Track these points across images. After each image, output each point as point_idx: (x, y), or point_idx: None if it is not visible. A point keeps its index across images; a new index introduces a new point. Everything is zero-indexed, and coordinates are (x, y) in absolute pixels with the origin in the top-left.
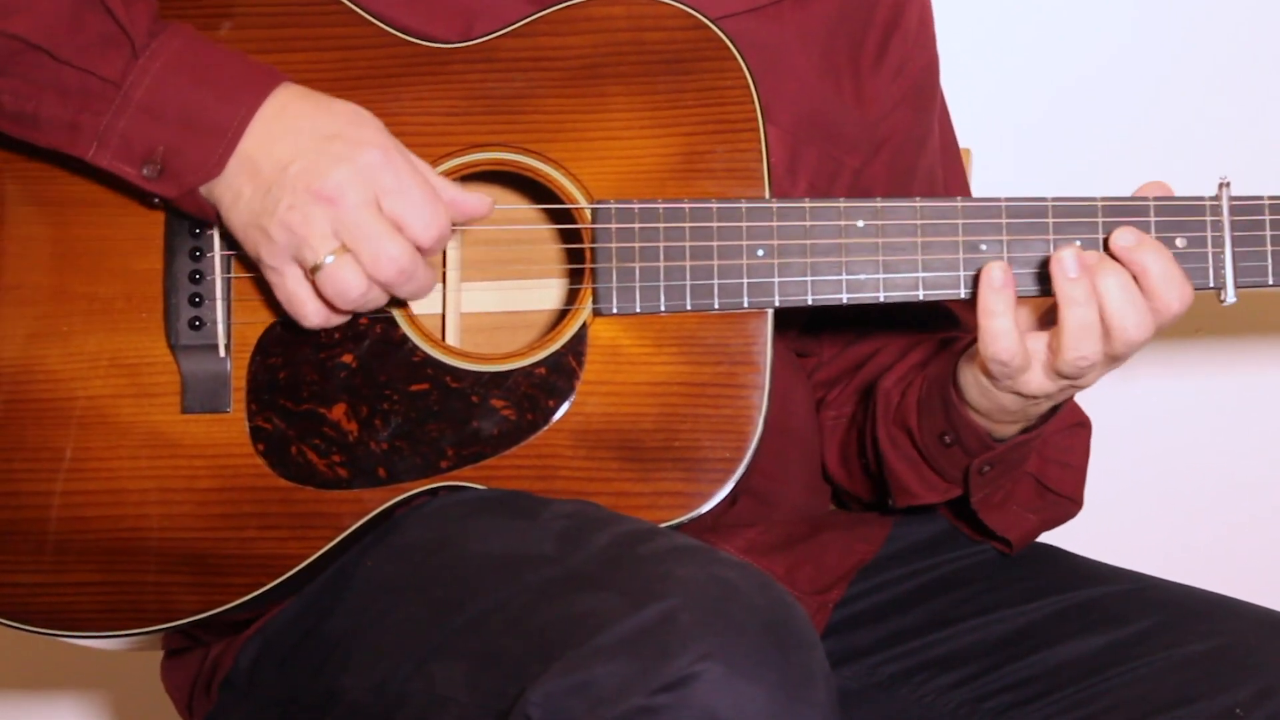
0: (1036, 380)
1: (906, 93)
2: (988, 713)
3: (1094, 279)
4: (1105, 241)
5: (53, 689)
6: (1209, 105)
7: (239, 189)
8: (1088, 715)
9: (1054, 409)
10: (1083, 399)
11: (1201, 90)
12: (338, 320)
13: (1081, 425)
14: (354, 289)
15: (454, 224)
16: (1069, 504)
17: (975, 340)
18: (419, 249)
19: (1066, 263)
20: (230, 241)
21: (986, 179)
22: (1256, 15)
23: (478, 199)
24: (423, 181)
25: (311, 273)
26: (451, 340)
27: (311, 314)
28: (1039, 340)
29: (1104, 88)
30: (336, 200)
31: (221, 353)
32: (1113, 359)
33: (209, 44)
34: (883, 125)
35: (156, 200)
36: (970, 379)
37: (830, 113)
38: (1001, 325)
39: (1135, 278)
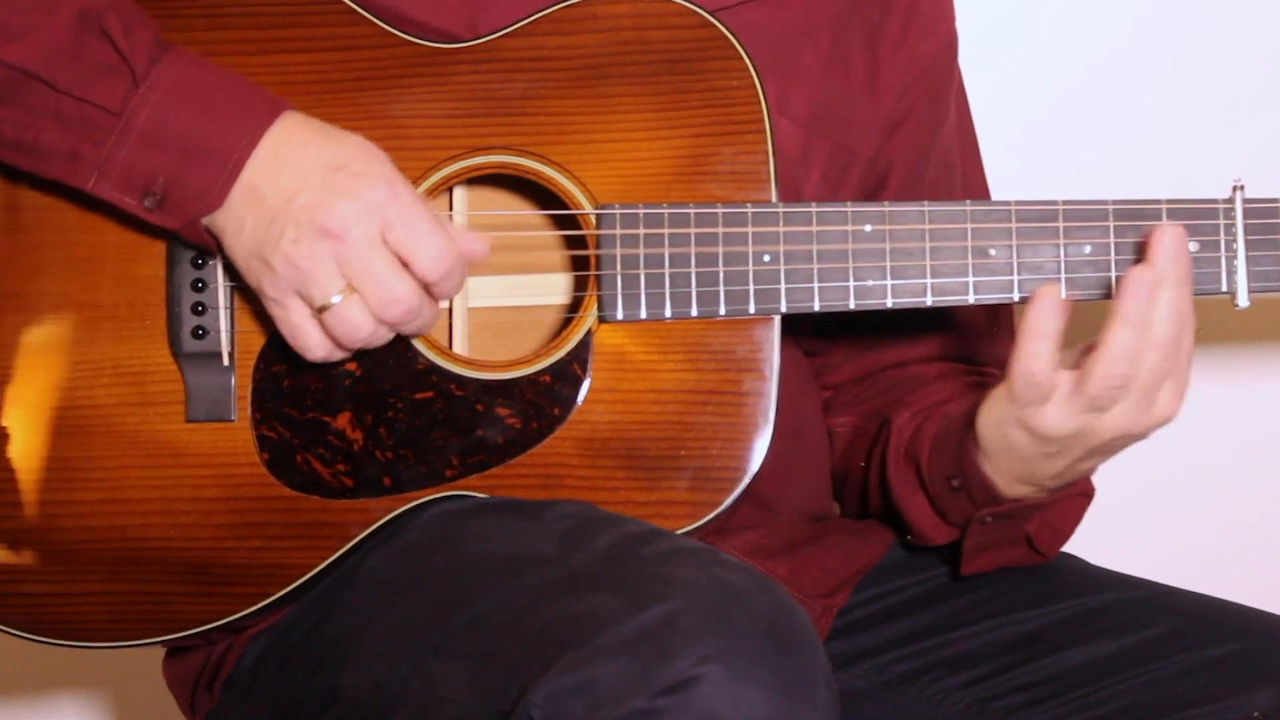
0: (1053, 414)
1: (920, 74)
2: (997, 713)
3: (1153, 302)
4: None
5: (55, 686)
6: (1221, 106)
7: (242, 219)
8: (1101, 715)
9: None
10: None
11: (1213, 90)
12: (341, 355)
13: (1085, 495)
14: (362, 329)
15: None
16: (1037, 557)
17: (998, 381)
18: (427, 284)
19: (1138, 283)
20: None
21: (992, 179)
22: (1268, 12)
23: (474, 239)
24: (431, 215)
25: (319, 312)
26: (460, 337)
27: (315, 347)
28: (1066, 375)
29: (1113, 86)
30: (341, 236)
31: (225, 361)
32: (1139, 390)
33: (212, 70)
34: (897, 107)
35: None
36: (988, 418)
37: (840, 103)
38: (1042, 348)
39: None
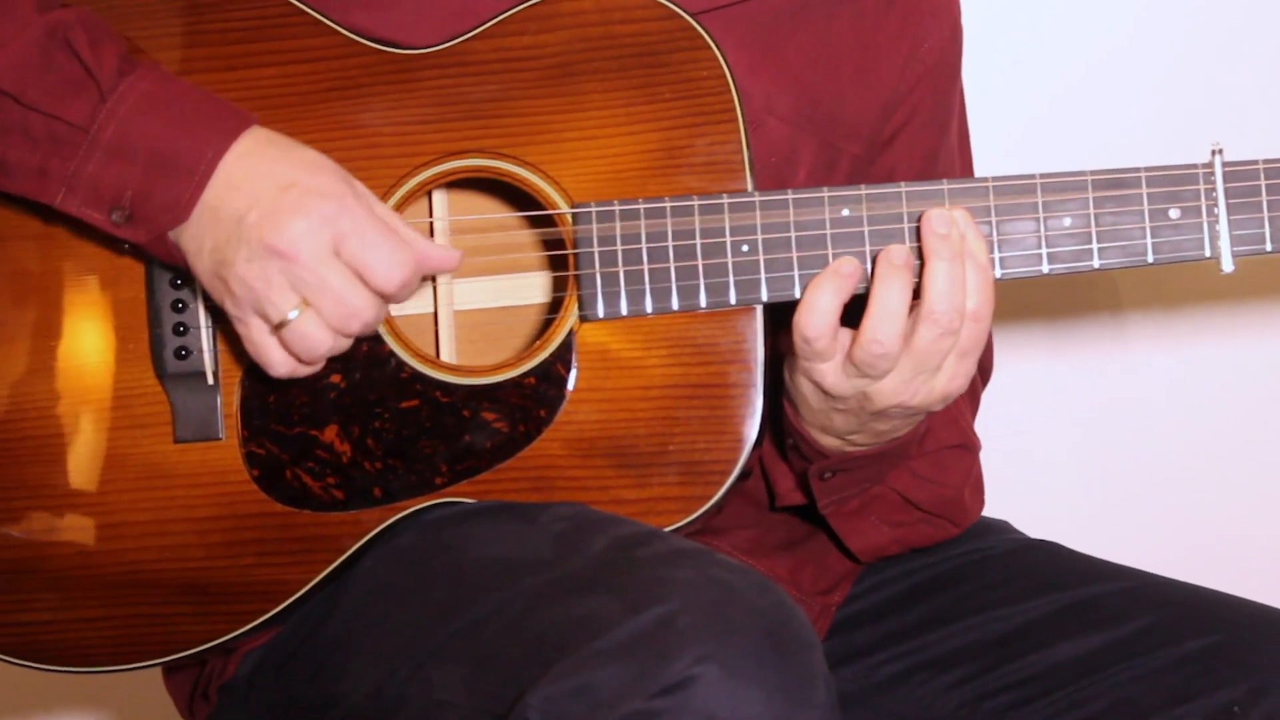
0: (833, 373)
1: (924, 74)
2: (987, 713)
3: (926, 276)
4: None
5: (57, 705)
6: (1222, 106)
7: (201, 239)
8: (1087, 715)
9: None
10: (1086, 391)
11: (1214, 90)
12: (305, 371)
13: (965, 447)
14: (320, 344)
15: (423, 277)
16: (941, 523)
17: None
18: (384, 295)
19: (894, 254)
20: None
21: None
22: (1268, 12)
23: (445, 252)
24: (383, 226)
25: (276, 329)
26: (446, 342)
27: (278, 364)
28: (846, 335)
29: (1113, 87)
30: (292, 255)
31: (210, 380)
32: (914, 365)
33: (179, 84)
34: (899, 110)
35: (126, 246)
36: (787, 367)
37: (828, 100)
38: (823, 301)
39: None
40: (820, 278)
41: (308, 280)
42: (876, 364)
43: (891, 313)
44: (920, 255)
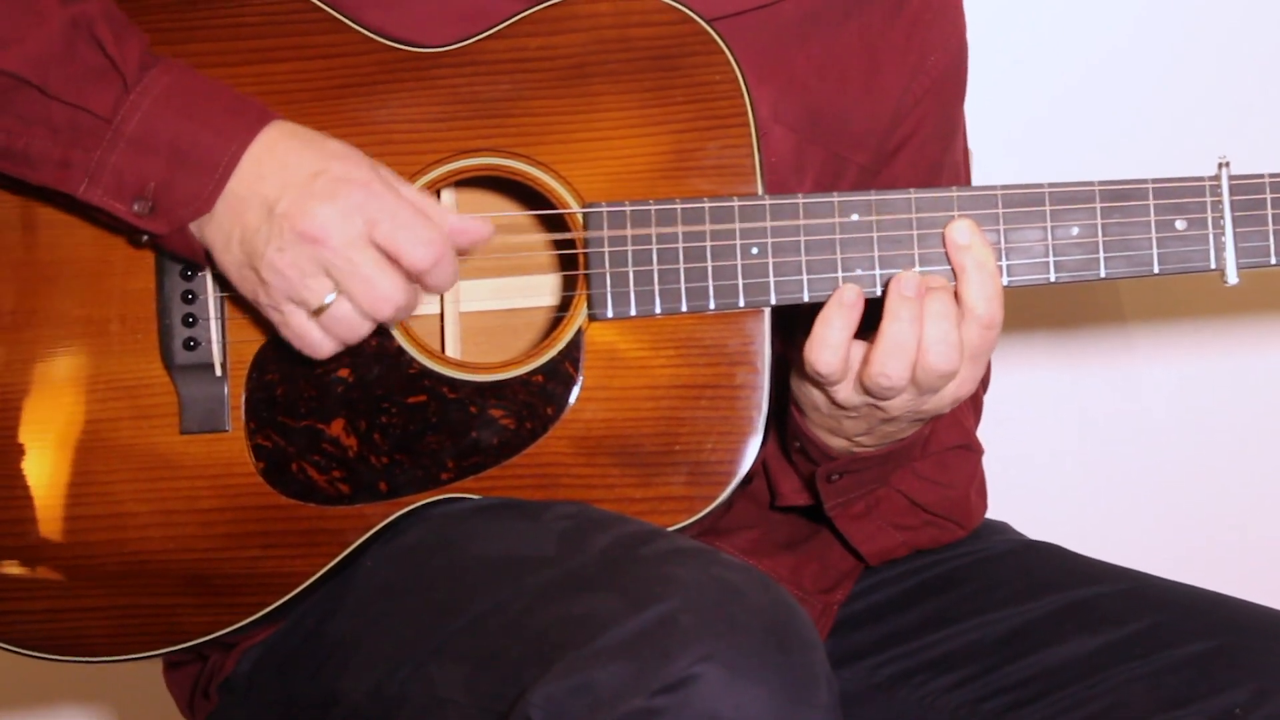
0: (845, 390)
1: (930, 87)
2: (987, 714)
3: (925, 303)
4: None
5: (57, 698)
6: (1222, 105)
7: (228, 231)
8: (1087, 717)
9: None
10: (1086, 390)
11: (1214, 90)
12: (349, 344)
13: (968, 448)
14: (360, 327)
15: (457, 252)
16: (948, 525)
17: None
18: (418, 274)
19: (905, 283)
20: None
21: (992, 178)
22: (1268, 12)
23: (477, 224)
24: (412, 208)
25: (315, 314)
26: (452, 341)
27: (319, 345)
28: (859, 349)
29: (1113, 86)
30: (322, 240)
31: (218, 372)
32: (919, 390)
33: (201, 78)
34: (905, 122)
35: (145, 238)
36: (794, 375)
37: (834, 110)
38: (833, 337)
39: (954, 274)
40: (827, 311)
41: (338, 265)
42: (885, 394)
43: (902, 346)
44: (927, 263)
